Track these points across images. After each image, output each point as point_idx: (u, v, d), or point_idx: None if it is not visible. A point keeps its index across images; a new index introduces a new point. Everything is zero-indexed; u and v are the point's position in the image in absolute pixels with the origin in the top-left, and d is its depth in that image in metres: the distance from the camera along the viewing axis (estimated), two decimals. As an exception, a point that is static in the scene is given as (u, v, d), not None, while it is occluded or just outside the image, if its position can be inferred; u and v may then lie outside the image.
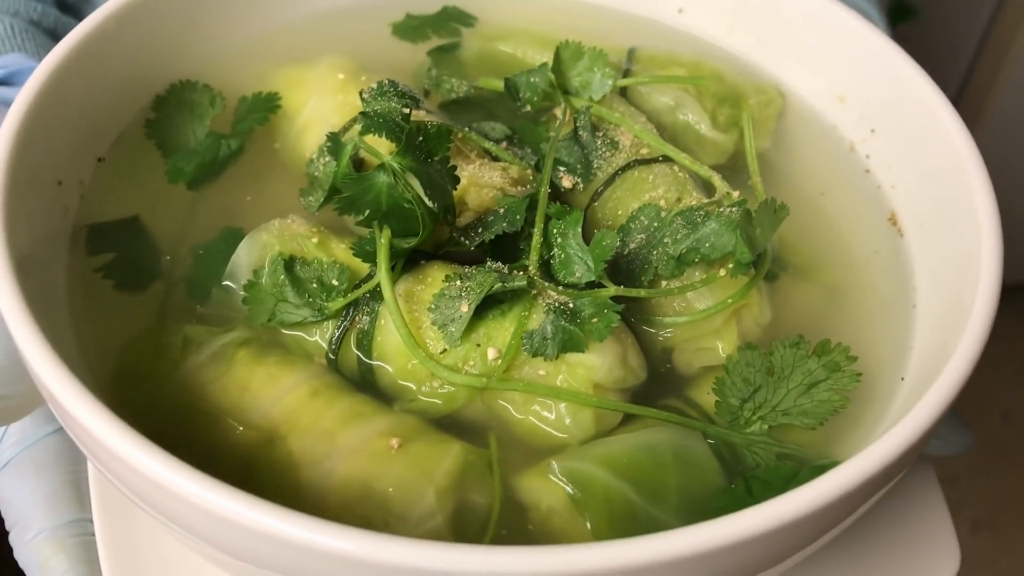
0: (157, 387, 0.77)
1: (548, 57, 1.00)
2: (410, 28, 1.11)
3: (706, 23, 1.09)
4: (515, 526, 0.73)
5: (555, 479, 0.73)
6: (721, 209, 0.81)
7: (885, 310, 0.88)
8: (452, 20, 1.12)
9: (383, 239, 0.76)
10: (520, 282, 0.76)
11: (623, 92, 1.01)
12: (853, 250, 0.93)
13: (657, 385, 0.82)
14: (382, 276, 0.76)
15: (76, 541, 0.86)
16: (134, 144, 0.94)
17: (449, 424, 0.78)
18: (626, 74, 1.02)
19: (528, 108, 0.96)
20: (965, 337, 0.71)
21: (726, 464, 0.76)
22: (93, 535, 0.86)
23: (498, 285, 0.75)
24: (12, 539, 0.89)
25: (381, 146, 0.79)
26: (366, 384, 0.80)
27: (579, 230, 0.79)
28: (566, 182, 0.92)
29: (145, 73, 0.97)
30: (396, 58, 1.08)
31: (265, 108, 0.97)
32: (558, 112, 0.96)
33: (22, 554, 0.88)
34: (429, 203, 0.76)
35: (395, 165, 0.75)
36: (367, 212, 0.76)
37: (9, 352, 0.80)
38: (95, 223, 0.87)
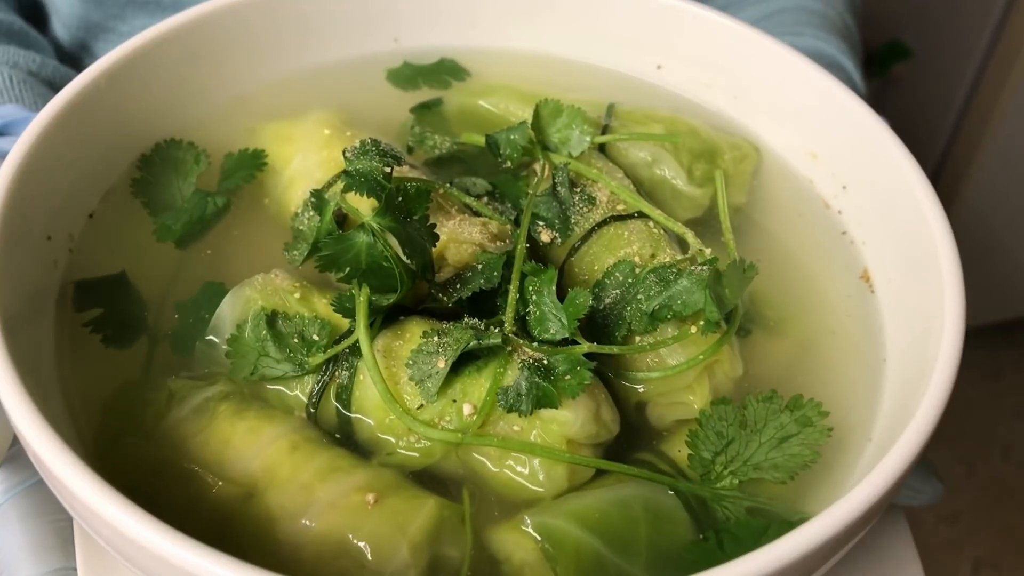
0: (140, 441, 0.79)
1: (528, 112, 1.02)
2: (404, 76, 1.14)
3: (684, 80, 1.12)
4: (488, 579, 0.75)
5: (527, 533, 0.75)
6: (692, 267, 0.83)
7: (856, 365, 0.90)
8: (445, 72, 1.15)
9: (362, 297, 0.78)
10: (495, 339, 0.78)
11: (601, 148, 1.03)
12: (826, 305, 0.95)
13: (630, 438, 0.84)
14: (360, 333, 0.78)
15: (60, 590, 0.88)
16: (122, 200, 0.97)
17: (426, 477, 0.80)
18: (605, 130, 1.05)
19: (508, 164, 0.99)
20: (925, 400, 0.73)
21: (696, 517, 0.78)
22: (76, 584, 0.87)
23: (474, 342, 0.77)
24: (-3, 587, 0.90)
25: (363, 204, 0.81)
26: (345, 438, 0.82)
27: (553, 288, 0.81)
28: (544, 236, 0.94)
29: (135, 129, 1.00)
30: (383, 113, 1.10)
31: (252, 165, 0.99)
32: (538, 168, 0.99)
33: (7, 603, 0.89)
34: (407, 262, 0.78)
35: (375, 225, 0.78)
36: (347, 270, 0.78)
37: None
38: (82, 279, 0.89)
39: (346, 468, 0.77)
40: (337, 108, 1.06)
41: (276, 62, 1.10)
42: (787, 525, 0.76)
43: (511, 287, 0.82)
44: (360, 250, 0.78)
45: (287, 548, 0.73)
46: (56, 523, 0.91)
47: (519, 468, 0.78)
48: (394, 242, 0.79)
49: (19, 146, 0.84)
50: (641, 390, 0.85)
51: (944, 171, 2.46)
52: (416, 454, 0.79)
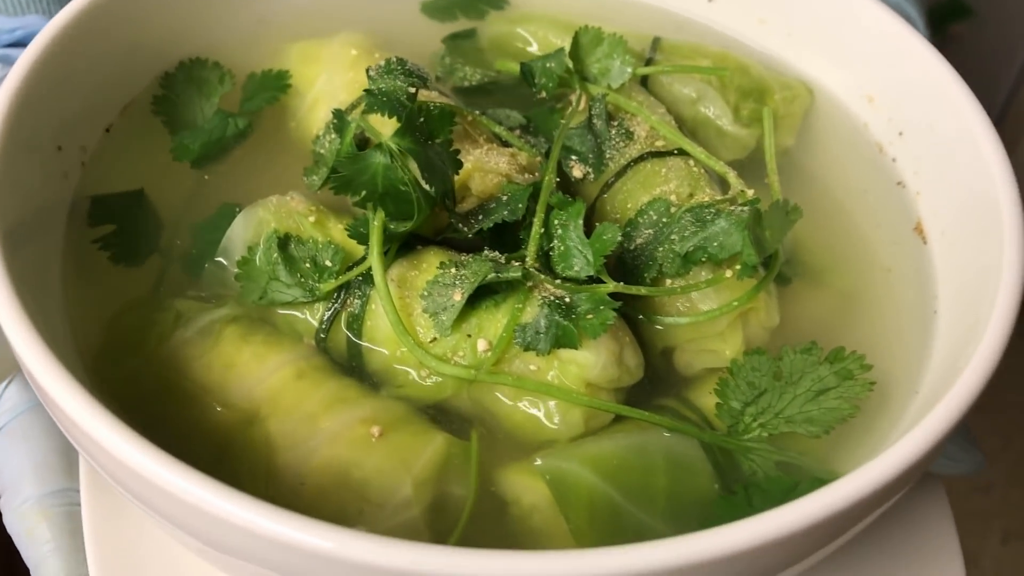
0: (143, 361, 0.76)
1: (567, 42, 0.97)
2: (439, 8, 1.09)
3: (737, 15, 1.05)
4: (495, 520, 0.71)
5: (538, 476, 0.70)
6: (732, 208, 0.78)
7: (904, 318, 0.84)
8: (482, 1, 1.09)
9: (376, 221, 0.74)
10: (515, 273, 0.73)
11: (644, 81, 0.98)
12: (874, 254, 0.90)
13: (655, 384, 0.79)
14: (373, 260, 0.74)
15: (60, 511, 0.86)
16: (141, 117, 0.93)
17: (436, 413, 0.76)
18: (648, 63, 0.99)
19: (543, 94, 0.93)
20: (978, 352, 0.68)
21: (720, 470, 0.73)
22: (79, 505, 0.85)
23: (492, 275, 0.73)
24: (2, 505, 0.89)
25: (387, 128, 0.77)
26: (354, 368, 0.78)
27: (580, 222, 0.76)
28: (576, 171, 0.89)
29: (160, 45, 0.96)
30: (415, 40, 1.05)
31: (275, 87, 0.95)
32: (574, 99, 0.93)
33: (9, 521, 0.87)
34: (426, 187, 0.74)
35: (392, 145, 0.73)
36: (363, 193, 0.74)
37: None
38: (99, 194, 0.86)
39: (353, 399, 0.74)
40: (370, 31, 1.01)
41: (307, -20, 1.05)
42: (818, 482, 0.70)
43: (535, 220, 0.77)
44: (376, 172, 0.73)
45: (287, 478, 0.69)
46: (62, 443, 0.89)
47: (533, 409, 0.74)
48: (414, 166, 0.74)
49: (29, 51, 0.81)
50: (670, 335, 0.80)
51: (1002, 133, 2.37)
52: (427, 389, 0.75)
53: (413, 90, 0.79)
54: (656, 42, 1.01)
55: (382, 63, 0.82)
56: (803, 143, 0.98)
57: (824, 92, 1.00)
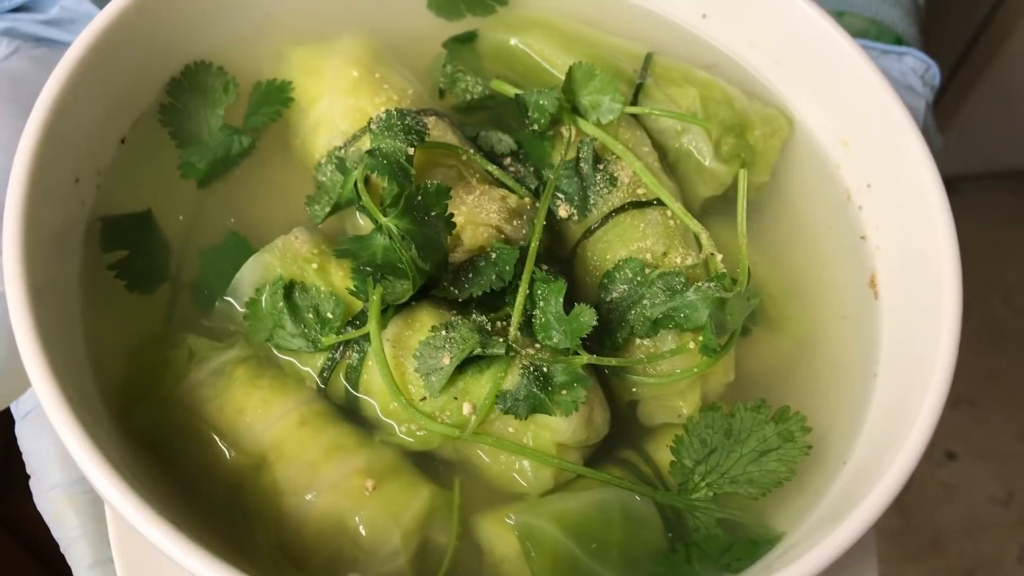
0: (161, 401, 0.84)
1: (564, 59, 1.01)
2: (445, 4, 1.10)
3: (728, 34, 1.08)
4: (471, 565, 0.82)
5: (510, 529, 0.81)
6: (700, 284, 0.85)
7: (846, 375, 0.93)
8: None
9: (375, 296, 0.81)
10: (499, 350, 0.81)
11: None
12: (830, 306, 0.97)
13: (619, 431, 0.89)
14: (372, 330, 0.81)
15: (86, 499, 0.96)
16: (150, 129, 0.97)
17: (423, 459, 0.86)
18: (639, 88, 1.03)
19: (535, 127, 0.98)
20: (902, 453, 0.77)
21: (670, 524, 0.84)
22: (103, 491, 0.95)
23: (478, 349, 0.81)
24: (32, 485, 0.98)
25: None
26: (352, 411, 0.87)
27: (560, 300, 0.83)
28: (562, 211, 0.95)
29: (167, 49, 0.98)
30: (420, 40, 1.07)
31: (278, 100, 0.99)
32: (565, 131, 0.98)
33: (40, 503, 0.97)
34: (422, 264, 0.80)
35: (393, 228, 0.79)
36: (364, 265, 0.81)
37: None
38: (108, 216, 0.91)
39: (350, 447, 0.83)
40: (369, 33, 1.03)
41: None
42: (751, 544, 0.82)
43: (519, 292, 0.84)
44: (376, 252, 0.80)
45: (292, 521, 0.80)
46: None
47: (510, 465, 0.84)
48: (410, 244, 0.80)
49: (44, 96, 0.84)
50: (635, 390, 0.89)
51: (999, 10, 2.35)
52: (415, 440, 0.84)
53: (412, 150, 0.85)
54: (648, 61, 1.05)
55: (383, 115, 0.87)
56: (778, 178, 1.04)
57: (804, 127, 1.05)
